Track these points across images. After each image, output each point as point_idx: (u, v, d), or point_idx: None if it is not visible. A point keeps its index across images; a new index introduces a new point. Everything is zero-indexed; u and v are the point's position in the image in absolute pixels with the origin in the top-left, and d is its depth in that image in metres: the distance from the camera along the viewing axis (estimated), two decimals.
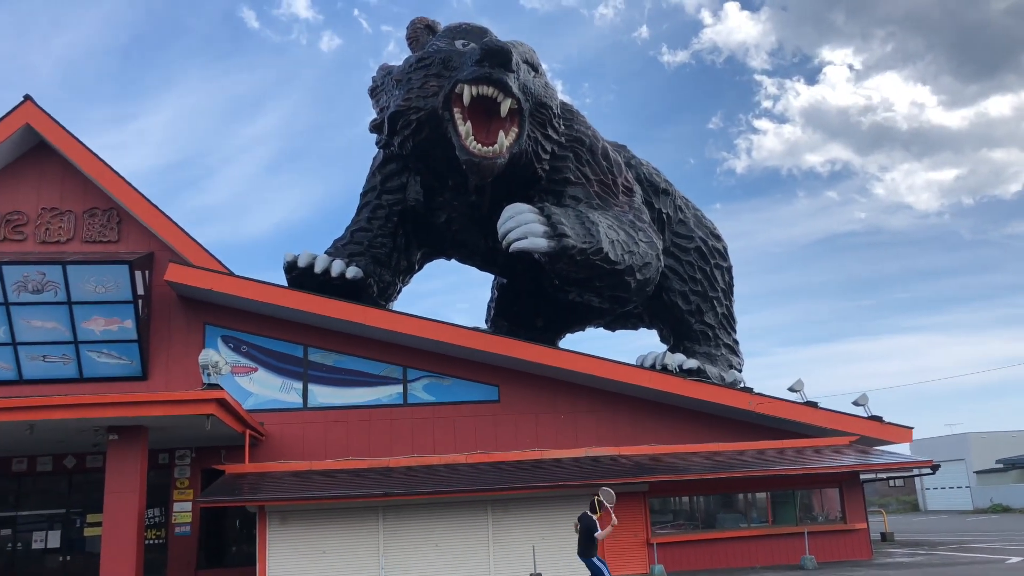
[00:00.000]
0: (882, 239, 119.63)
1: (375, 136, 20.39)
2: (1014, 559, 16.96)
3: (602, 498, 13.11)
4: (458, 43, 18.71)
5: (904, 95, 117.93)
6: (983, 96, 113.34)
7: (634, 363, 20.60)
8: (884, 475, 23.12)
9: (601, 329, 26.18)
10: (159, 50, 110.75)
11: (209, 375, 15.80)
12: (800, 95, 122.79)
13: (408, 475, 17.13)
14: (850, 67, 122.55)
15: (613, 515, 13.18)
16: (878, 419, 20.49)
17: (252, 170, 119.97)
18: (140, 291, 18.86)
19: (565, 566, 16.62)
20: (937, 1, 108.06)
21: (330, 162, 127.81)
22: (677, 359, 20.76)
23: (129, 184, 19.61)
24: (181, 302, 19.65)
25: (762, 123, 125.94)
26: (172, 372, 19.18)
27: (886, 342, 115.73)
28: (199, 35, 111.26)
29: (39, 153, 20.12)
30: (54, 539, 18.75)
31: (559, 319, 24.47)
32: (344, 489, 16.13)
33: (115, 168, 19.68)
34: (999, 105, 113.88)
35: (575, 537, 15.54)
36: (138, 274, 18.70)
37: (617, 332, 26.45)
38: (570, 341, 26.41)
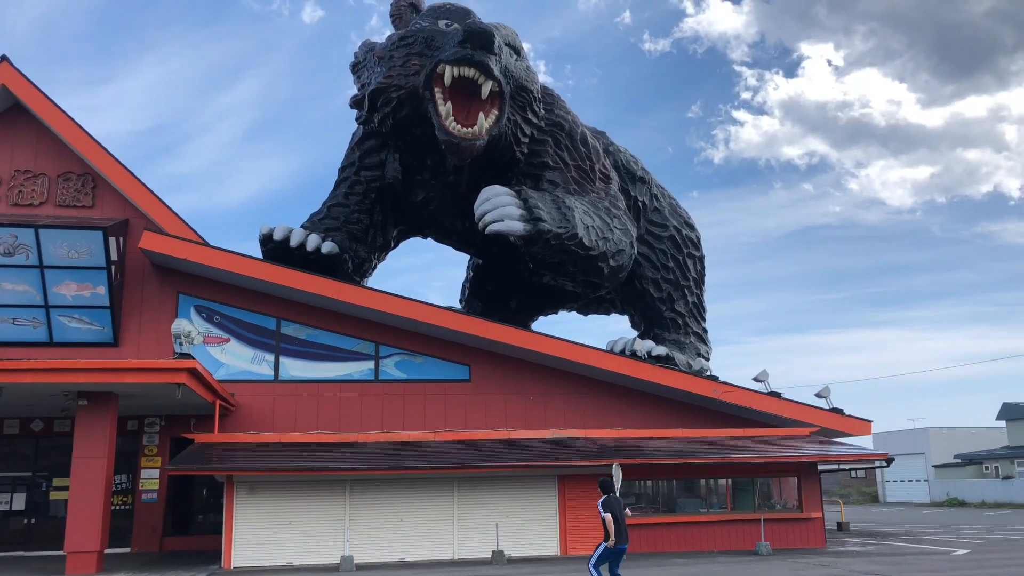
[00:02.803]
0: (855, 233, 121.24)
1: (355, 111, 20.37)
2: (959, 551, 17.56)
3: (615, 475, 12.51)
4: (441, 23, 18.72)
5: (882, 92, 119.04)
6: (959, 96, 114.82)
7: (604, 348, 20.90)
8: (842, 466, 23.72)
9: (574, 313, 26.49)
10: (138, 13, 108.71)
11: (181, 344, 15.84)
12: (779, 88, 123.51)
13: (376, 450, 17.34)
14: (829, 62, 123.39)
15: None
16: (839, 411, 21.00)
17: (229, 139, 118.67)
18: (114, 257, 18.80)
19: (527, 544, 17.00)
20: (917, 0, 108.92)
21: (308, 134, 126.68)
22: (646, 345, 21.09)
23: (105, 150, 19.47)
24: (155, 270, 19.62)
25: (741, 114, 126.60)
26: (143, 340, 19.18)
27: (855, 335, 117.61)
28: (180, 0, 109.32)
29: (13, 114, 19.87)
30: (19, 501, 18.80)
31: (533, 301, 24.71)
32: (312, 462, 16.31)
33: (91, 133, 19.54)
34: (974, 106, 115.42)
35: (539, 516, 15.78)
36: (112, 240, 18.63)
37: (589, 316, 26.78)
38: (543, 324, 26.81)
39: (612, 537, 11.22)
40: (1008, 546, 19.09)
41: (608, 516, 11.32)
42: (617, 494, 12.10)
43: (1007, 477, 46.58)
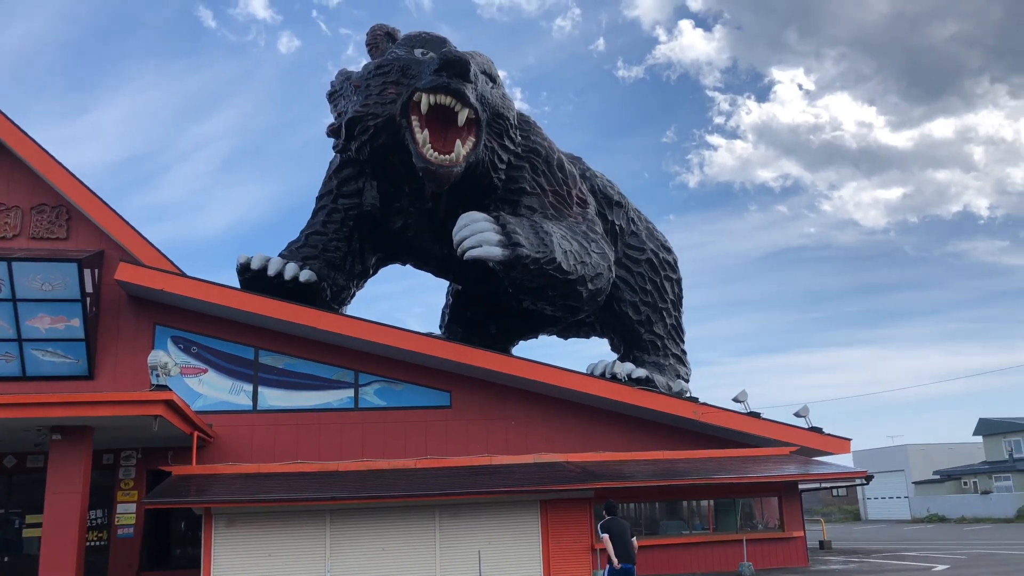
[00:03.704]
0: (830, 254, 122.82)
1: (332, 139, 20.45)
2: (940, 567, 17.68)
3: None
4: (417, 52, 18.89)
5: (852, 115, 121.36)
6: (928, 118, 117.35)
7: (584, 371, 20.95)
8: (823, 485, 23.84)
9: (554, 337, 26.55)
10: (113, 45, 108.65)
11: (158, 376, 15.68)
12: (752, 112, 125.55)
13: (357, 479, 17.19)
14: (800, 86, 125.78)
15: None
16: (818, 430, 21.14)
17: (207, 169, 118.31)
18: (89, 289, 18.60)
19: (510, 570, 16.88)
20: (885, 26, 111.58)
21: (286, 163, 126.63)
22: (626, 368, 21.16)
23: (79, 181, 19.34)
24: (131, 302, 19.44)
25: (715, 139, 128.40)
26: (120, 372, 18.94)
27: (832, 354, 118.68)
28: (155, 32, 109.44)
29: None
30: None
31: (513, 326, 24.74)
32: (292, 493, 16.14)
33: (65, 164, 19.42)
34: (943, 128, 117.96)
35: (522, 541, 15.85)
36: (87, 272, 18.45)
37: (569, 340, 26.86)
38: (523, 348, 26.79)
39: (613, 556, 11.55)
40: (988, 561, 19.24)
41: (605, 536, 11.68)
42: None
43: (986, 492, 46.99)
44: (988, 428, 50.18)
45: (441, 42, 19.50)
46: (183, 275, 19.18)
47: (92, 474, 15.54)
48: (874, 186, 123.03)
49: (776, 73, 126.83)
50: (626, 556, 11.59)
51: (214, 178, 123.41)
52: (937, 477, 51.62)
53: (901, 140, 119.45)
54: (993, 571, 16.84)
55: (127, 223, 19.42)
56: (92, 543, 17.96)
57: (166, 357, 16.03)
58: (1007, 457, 48.19)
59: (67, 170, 19.35)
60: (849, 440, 21.56)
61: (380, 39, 20.38)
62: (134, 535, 18.41)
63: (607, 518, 12.13)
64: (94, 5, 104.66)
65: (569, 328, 25.52)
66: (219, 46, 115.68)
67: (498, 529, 17.05)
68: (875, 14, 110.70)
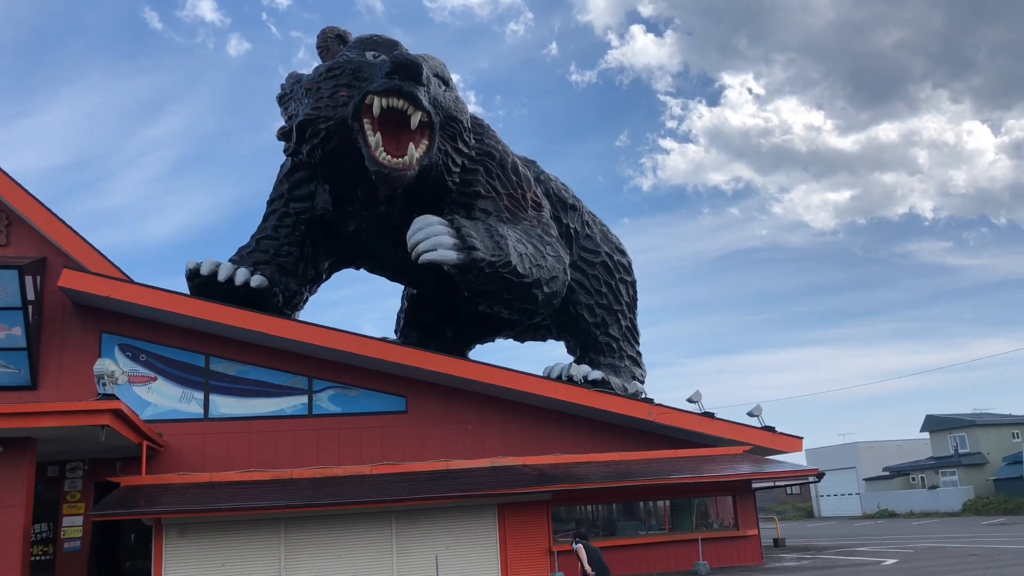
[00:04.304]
0: (781, 255, 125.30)
1: (283, 143, 20.19)
2: (889, 561, 18.11)
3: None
4: (369, 54, 18.78)
5: (801, 119, 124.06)
6: (874, 123, 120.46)
7: (541, 374, 20.98)
8: (776, 483, 24.25)
9: (510, 340, 26.55)
10: (56, 47, 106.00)
11: (105, 385, 15.29)
12: (703, 116, 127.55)
13: (312, 487, 16.98)
14: (750, 91, 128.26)
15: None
16: (771, 429, 21.48)
17: (154, 174, 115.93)
18: (31, 297, 18.07)
19: (468, 575, 16.82)
20: (833, 32, 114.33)
21: (236, 167, 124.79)
22: (582, 370, 21.26)
23: (20, 186, 18.79)
24: (76, 309, 18.93)
25: (667, 142, 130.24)
26: (64, 382, 18.42)
27: (784, 354, 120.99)
28: (99, 34, 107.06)
29: None
30: None
31: (469, 330, 24.68)
32: (245, 501, 15.86)
33: (5, 169, 18.85)
34: (888, 132, 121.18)
35: (479, 546, 16.05)
36: (29, 279, 17.92)
37: (526, 343, 26.88)
38: (480, 352, 26.71)
39: (586, 565, 12.99)
40: (933, 554, 19.77)
41: (579, 546, 13.17)
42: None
43: (932, 487, 48.26)
44: (934, 424, 51.56)
45: (393, 45, 19.41)
46: (130, 281, 18.77)
47: (36, 487, 15.09)
48: (823, 188, 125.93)
49: (727, 78, 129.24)
50: (601, 570, 13.08)
51: (162, 183, 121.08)
52: (887, 473, 52.87)
53: (848, 143, 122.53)
54: (939, 563, 17.31)
55: (71, 228, 18.93)
56: (37, 558, 17.42)
57: (113, 365, 15.65)
58: (952, 452, 49.56)
59: (7, 174, 18.79)
60: (801, 439, 21.96)
61: (331, 42, 20.21)
62: (81, 548, 17.90)
63: (582, 541, 13.56)
64: (35, 6, 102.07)
65: (525, 331, 25.55)
66: (166, 48, 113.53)
67: (456, 534, 16.99)
68: (822, 20, 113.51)
